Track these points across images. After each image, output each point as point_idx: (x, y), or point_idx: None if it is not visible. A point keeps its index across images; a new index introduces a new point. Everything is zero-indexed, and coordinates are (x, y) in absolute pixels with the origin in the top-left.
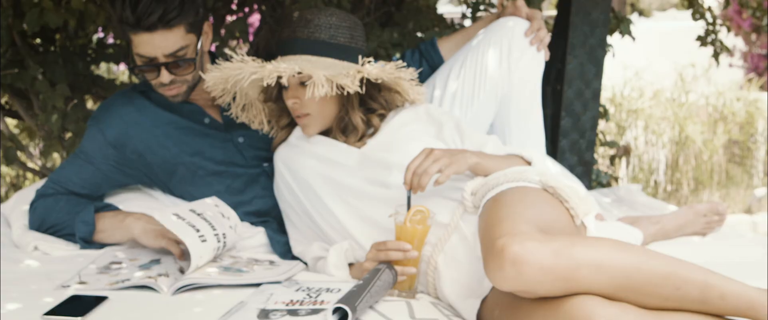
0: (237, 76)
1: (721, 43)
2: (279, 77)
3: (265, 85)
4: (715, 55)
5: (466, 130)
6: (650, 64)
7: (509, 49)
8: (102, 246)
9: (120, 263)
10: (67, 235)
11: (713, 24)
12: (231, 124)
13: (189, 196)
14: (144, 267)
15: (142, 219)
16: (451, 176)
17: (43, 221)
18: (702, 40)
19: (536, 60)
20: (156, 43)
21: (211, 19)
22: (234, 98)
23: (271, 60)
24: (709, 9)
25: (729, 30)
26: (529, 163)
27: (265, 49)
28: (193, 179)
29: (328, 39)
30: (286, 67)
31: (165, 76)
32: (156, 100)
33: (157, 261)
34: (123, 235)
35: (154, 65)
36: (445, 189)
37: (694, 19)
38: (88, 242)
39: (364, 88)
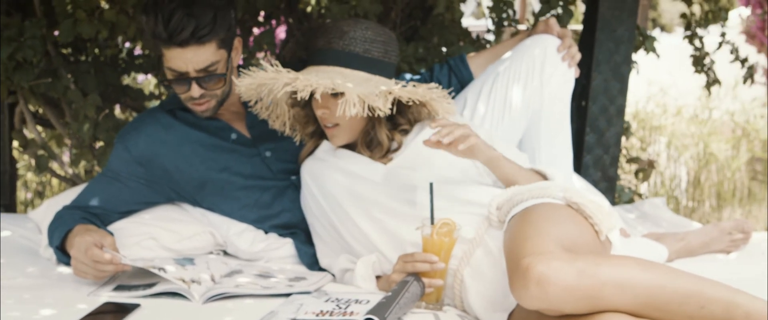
0: (270, 86)
1: (714, 73)
2: (312, 91)
3: (298, 98)
4: (708, 86)
5: (497, 142)
6: (674, 81)
7: (542, 65)
8: None
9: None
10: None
11: (700, 51)
12: (258, 139)
13: (218, 209)
14: (179, 262)
15: (77, 237)
16: (462, 157)
17: (49, 240)
18: (697, 67)
19: (567, 77)
20: (187, 58)
21: (238, 31)
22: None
23: (303, 68)
24: (701, 38)
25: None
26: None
27: (291, 62)
28: (222, 193)
29: (362, 52)
30: (319, 81)
31: (195, 91)
32: (183, 118)
33: (190, 261)
34: None
35: (184, 80)
36: (470, 204)
37: (692, 43)
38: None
39: (394, 109)
